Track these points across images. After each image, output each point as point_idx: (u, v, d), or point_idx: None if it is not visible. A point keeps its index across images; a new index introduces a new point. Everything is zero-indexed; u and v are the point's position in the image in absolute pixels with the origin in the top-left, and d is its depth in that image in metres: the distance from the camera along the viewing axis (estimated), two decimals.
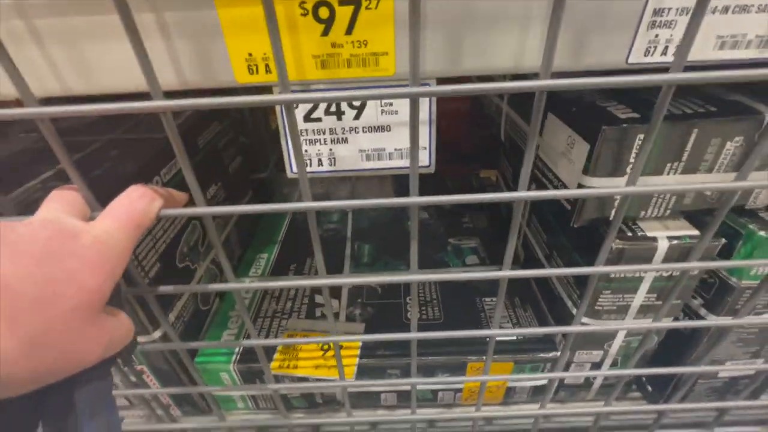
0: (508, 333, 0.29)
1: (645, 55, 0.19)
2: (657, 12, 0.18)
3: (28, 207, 0.27)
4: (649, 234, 0.29)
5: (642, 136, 0.25)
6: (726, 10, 0.18)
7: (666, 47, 0.19)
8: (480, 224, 0.55)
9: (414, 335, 0.29)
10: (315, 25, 0.18)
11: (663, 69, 0.19)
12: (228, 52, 0.18)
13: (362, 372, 0.37)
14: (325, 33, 0.18)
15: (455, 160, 0.71)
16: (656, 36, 0.18)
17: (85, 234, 0.17)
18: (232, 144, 0.50)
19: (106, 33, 0.17)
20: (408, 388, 0.38)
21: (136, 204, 0.19)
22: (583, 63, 0.19)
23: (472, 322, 0.40)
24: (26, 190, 0.29)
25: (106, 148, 0.35)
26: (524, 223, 0.45)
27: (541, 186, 0.35)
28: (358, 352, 0.38)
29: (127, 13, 0.16)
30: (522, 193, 0.21)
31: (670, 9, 0.18)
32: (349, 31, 0.18)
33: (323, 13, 0.17)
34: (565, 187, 0.30)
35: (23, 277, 0.14)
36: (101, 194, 0.21)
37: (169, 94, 0.18)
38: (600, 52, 0.19)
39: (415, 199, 0.21)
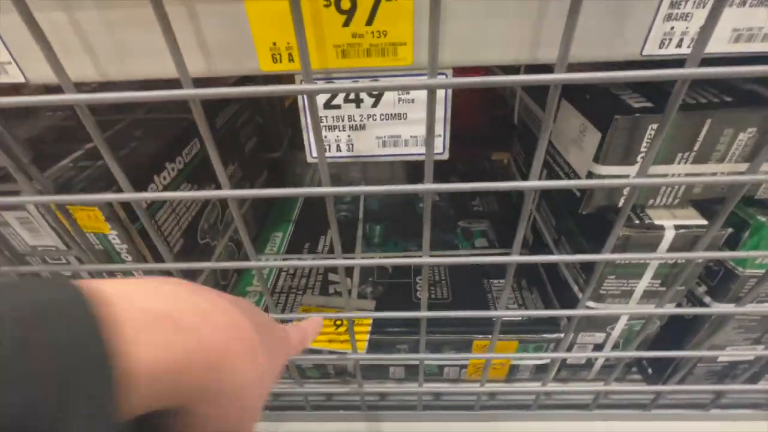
0: (513, 314, 0.31)
1: (660, 47, 0.19)
2: (674, 4, 0.18)
3: (63, 186, 0.28)
4: (657, 222, 0.29)
5: (655, 126, 0.25)
6: (743, 3, 0.18)
7: (681, 39, 0.19)
8: (490, 207, 0.56)
9: (424, 314, 0.30)
10: (337, 15, 0.18)
11: (676, 61, 0.19)
12: (253, 42, 0.19)
13: (373, 346, 0.39)
14: (347, 24, 0.18)
15: (467, 141, 0.70)
16: (672, 28, 0.19)
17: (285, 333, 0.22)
18: (248, 124, 0.51)
19: (140, 23, 0.18)
20: (416, 362, 0.40)
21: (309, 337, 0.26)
22: (598, 54, 0.19)
23: (479, 302, 0.41)
24: (59, 169, 0.31)
25: (131, 127, 0.37)
26: (534, 207, 0.46)
27: (552, 172, 0.36)
28: (369, 328, 0.40)
29: (159, 4, 0.16)
30: (533, 183, 0.22)
31: (687, 1, 0.18)
32: (370, 21, 0.18)
33: (345, 4, 0.18)
34: (576, 173, 0.31)
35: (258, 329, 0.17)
36: (129, 172, 0.22)
37: (197, 80, 0.19)
38: (614, 43, 0.19)
39: (429, 186, 0.22)
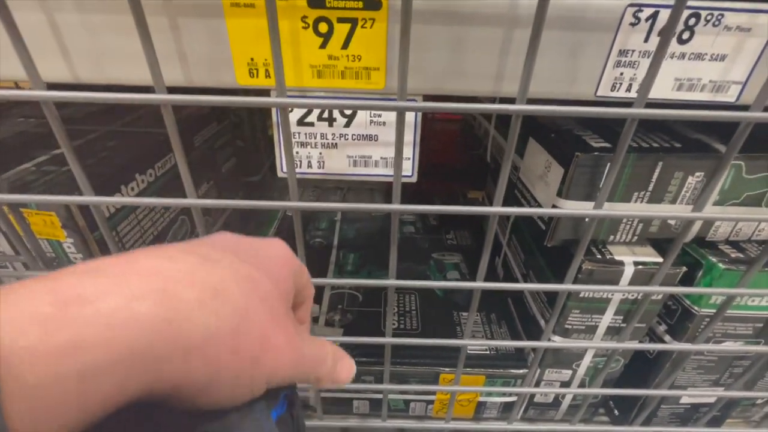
0: (478, 344, 0.30)
1: (612, 90, 0.21)
2: (622, 53, 0.20)
3: (21, 188, 0.27)
4: (617, 258, 0.30)
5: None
6: (683, 56, 0.20)
7: (630, 84, 0.21)
8: (463, 241, 0.57)
9: (388, 340, 0.30)
10: (314, 38, 0.19)
11: (628, 103, 0.21)
12: (231, 56, 0.20)
13: None
14: (323, 46, 0.19)
15: (445, 179, 0.73)
16: (621, 74, 0.20)
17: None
18: (227, 145, 0.51)
19: (120, 29, 0.19)
20: (380, 396, 0.38)
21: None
22: (556, 92, 0.21)
23: (449, 334, 0.41)
24: (19, 172, 0.30)
25: (104, 138, 0.36)
26: (505, 243, 0.47)
27: (522, 207, 0.37)
28: None
29: (140, 13, 0.17)
30: (496, 209, 0.23)
31: (633, 51, 0.20)
32: (345, 45, 0.19)
33: (322, 27, 0.19)
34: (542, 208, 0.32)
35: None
36: (94, 179, 0.22)
37: (174, 90, 0.20)
38: (571, 83, 0.21)
39: (396, 207, 0.22)
